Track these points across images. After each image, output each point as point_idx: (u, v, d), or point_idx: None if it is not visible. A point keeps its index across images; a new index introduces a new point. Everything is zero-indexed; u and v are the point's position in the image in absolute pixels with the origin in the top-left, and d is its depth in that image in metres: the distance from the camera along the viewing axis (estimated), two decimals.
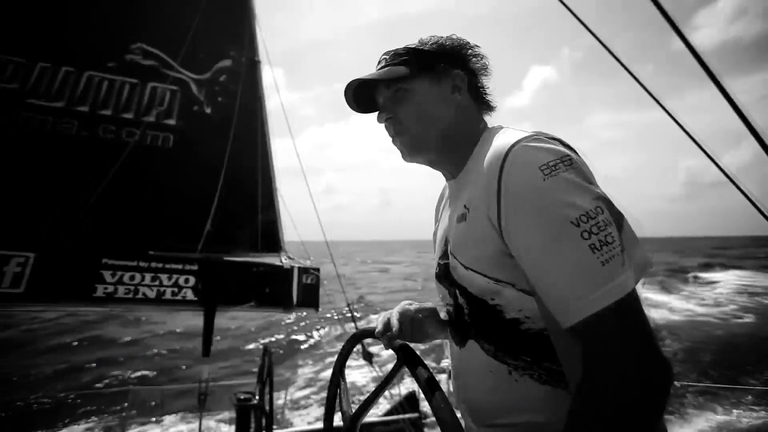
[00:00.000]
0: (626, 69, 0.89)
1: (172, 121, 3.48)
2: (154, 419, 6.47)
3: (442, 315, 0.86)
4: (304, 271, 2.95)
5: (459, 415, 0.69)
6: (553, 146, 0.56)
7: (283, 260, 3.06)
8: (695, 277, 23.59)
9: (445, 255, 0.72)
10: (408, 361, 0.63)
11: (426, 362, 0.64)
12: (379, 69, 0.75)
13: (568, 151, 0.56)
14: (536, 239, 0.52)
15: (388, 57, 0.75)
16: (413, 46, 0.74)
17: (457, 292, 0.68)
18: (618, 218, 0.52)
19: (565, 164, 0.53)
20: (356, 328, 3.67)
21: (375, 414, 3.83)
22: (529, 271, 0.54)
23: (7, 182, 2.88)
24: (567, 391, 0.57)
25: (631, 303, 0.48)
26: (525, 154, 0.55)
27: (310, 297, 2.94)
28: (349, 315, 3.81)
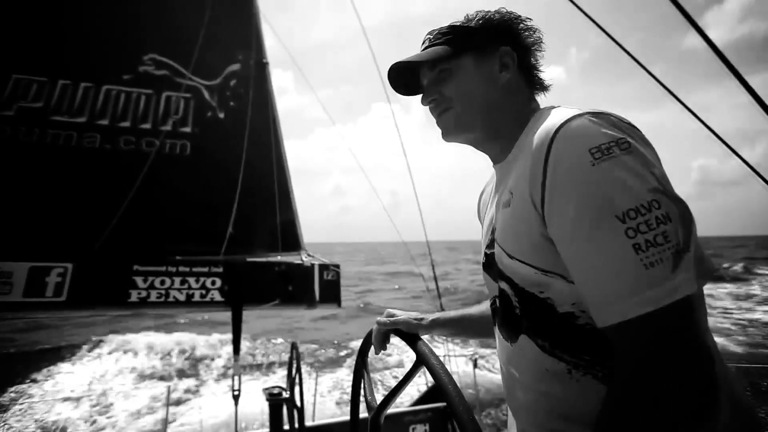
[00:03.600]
0: (643, 67, 0.89)
1: (187, 129, 3.57)
2: (193, 413, 6.80)
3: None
4: (324, 267, 3.01)
5: (509, 415, 0.70)
6: (609, 126, 0.49)
7: (303, 258, 3.13)
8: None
9: (491, 244, 0.68)
10: (424, 359, 0.64)
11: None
12: (423, 49, 0.72)
13: (628, 132, 0.49)
14: (576, 231, 0.47)
15: (431, 36, 0.72)
16: (457, 24, 0.71)
17: (504, 283, 0.64)
18: (684, 214, 0.45)
19: (621, 148, 0.46)
20: (441, 305, 3.79)
21: (405, 403, 3.90)
22: (567, 263, 0.51)
23: (42, 198, 3.03)
24: None
25: (678, 314, 0.42)
26: (576, 134, 0.49)
27: (331, 293, 3.00)
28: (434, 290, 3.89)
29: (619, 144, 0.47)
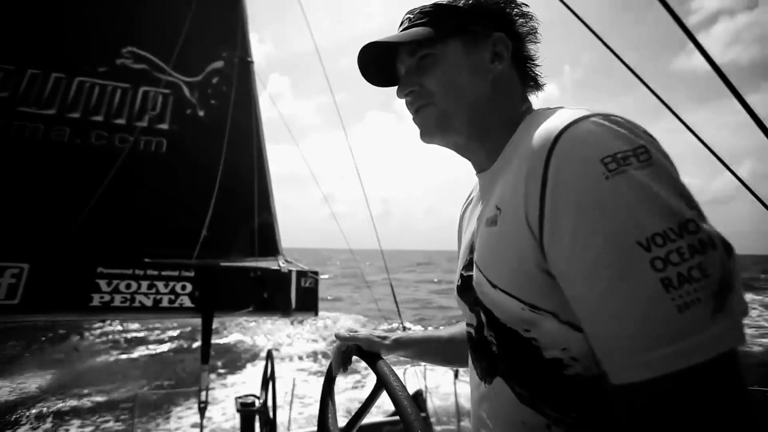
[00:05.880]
0: (642, 81, 0.87)
1: (165, 126, 3.44)
2: (159, 423, 6.53)
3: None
4: (302, 274, 2.91)
5: None
6: (625, 131, 0.40)
7: (281, 264, 3.03)
8: None
9: (469, 265, 0.59)
10: (384, 381, 0.59)
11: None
12: (401, 30, 0.61)
13: (647, 139, 0.40)
14: (586, 263, 0.38)
15: (412, 16, 0.60)
16: (444, 2, 0.60)
17: (482, 313, 0.55)
18: (722, 241, 0.36)
19: (639, 158, 0.38)
20: (402, 325, 3.65)
21: (381, 413, 3.82)
22: (571, 300, 0.41)
23: (0, 192, 2.85)
24: None
25: (721, 372, 0.33)
26: (584, 139, 0.40)
27: (308, 301, 2.91)
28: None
29: (637, 153, 0.38)
